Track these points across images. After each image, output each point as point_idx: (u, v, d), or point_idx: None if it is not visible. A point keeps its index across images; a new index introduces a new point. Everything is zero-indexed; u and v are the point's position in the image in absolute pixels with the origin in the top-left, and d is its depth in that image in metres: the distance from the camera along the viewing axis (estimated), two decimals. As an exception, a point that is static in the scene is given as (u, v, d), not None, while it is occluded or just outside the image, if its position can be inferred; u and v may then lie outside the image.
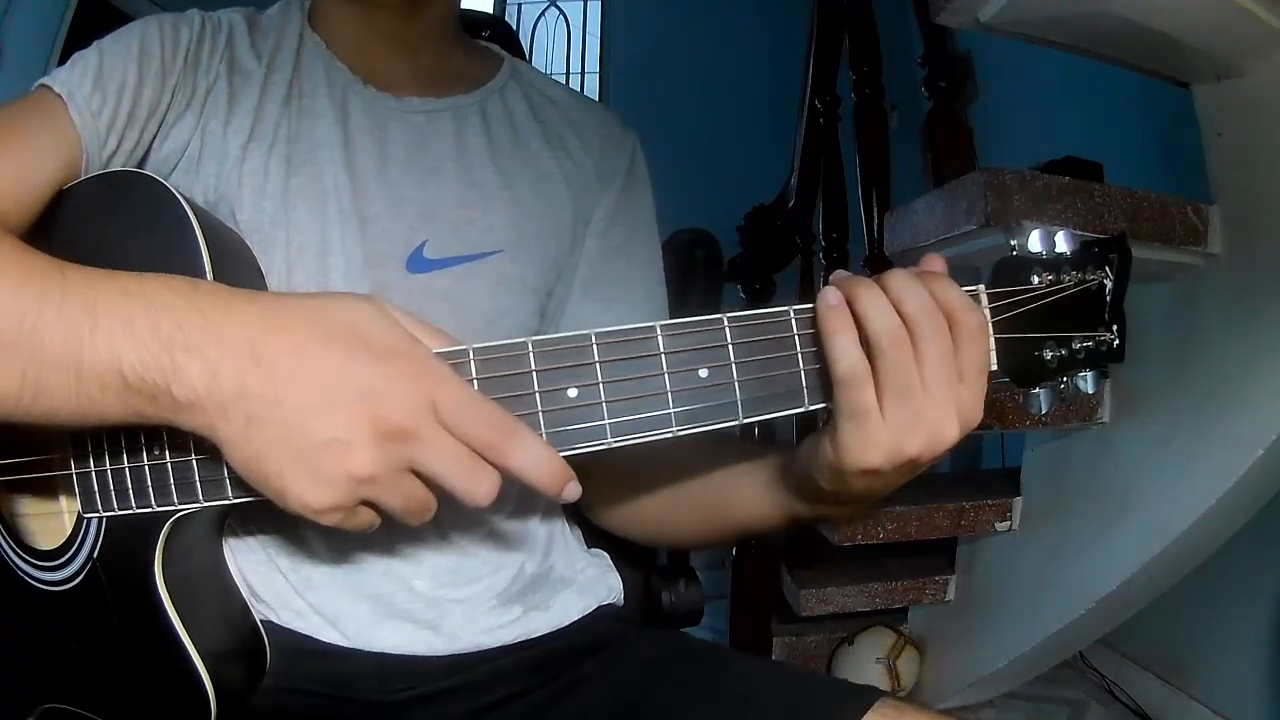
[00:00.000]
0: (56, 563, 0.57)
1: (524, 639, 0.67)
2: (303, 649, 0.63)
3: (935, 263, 0.48)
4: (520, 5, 4.33)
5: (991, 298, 0.48)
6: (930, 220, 1.34)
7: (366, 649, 0.64)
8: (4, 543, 0.60)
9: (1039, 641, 1.49)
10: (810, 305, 0.47)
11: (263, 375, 0.41)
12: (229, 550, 0.60)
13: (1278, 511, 1.22)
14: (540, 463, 0.43)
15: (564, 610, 0.70)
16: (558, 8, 4.30)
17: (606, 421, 0.45)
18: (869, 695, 0.56)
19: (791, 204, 1.94)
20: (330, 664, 0.63)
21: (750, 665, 0.63)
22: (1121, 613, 1.45)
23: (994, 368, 0.48)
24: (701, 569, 0.96)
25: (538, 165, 0.71)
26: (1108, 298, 0.49)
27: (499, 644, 0.66)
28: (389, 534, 0.63)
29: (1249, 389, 1.15)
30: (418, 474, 0.43)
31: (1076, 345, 0.48)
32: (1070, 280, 0.48)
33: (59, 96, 0.59)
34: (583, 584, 0.72)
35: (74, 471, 0.53)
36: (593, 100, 0.81)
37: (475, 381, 0.44)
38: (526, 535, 0.70)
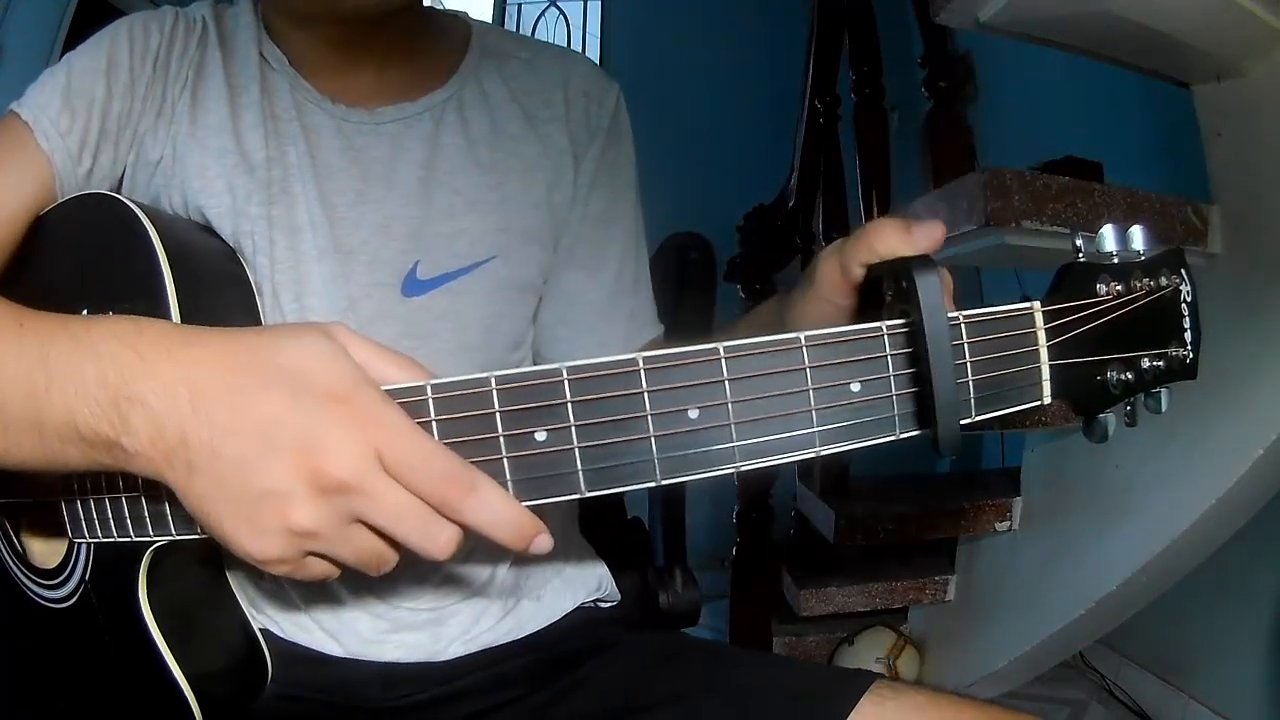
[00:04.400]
0: (55, 581, 0.57)
1: (520, 635, 0.68)
2: (304, 656, 0.63)
3: (935, 230, 0.45)
4: (520, 5, 4.33)
5: (1048, 316, 0.41)
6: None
7: (369, 659, 0.64)
8: (11, 560, 0.61)
9: (1039, 641, 1.49)
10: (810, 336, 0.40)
11: (200, 423, 0.38)
12: (230, 565, 0.59)
13: (1278, 511, 1.22)
14: (502, 519, 0.38)
15: (555, 601, 0.70)
16: (558, 8, 4.29)
17: (579, 469, 0.39)
18: (865, 679, 0.58)
19: (791, 204, 1.94)
20: (332, 670, 0.63)
21: (748, 659, 0.64)
22: (1121, 613, 1.45)
23: (1047, 400, 0.42)
24: (701, 569, 0.96)
25: (522, 153, 0.68)
26: (1184, 307, 0.43)
27: (498, 642, 0.66)
28: None
29: (1249, 389, 1.15)
30: (369, 525, 0.40)
31: (1145, 364, 0.42)
32: (1141, 289, 0.41)
33: (25, 122, 0.59)
34: (570, 574, 0.72)
35: (61, 499, 0.53)
36: (570, 51, 0.76)
37: (434, 423, 0.40)
38: None
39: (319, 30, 0.64)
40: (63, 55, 0.63)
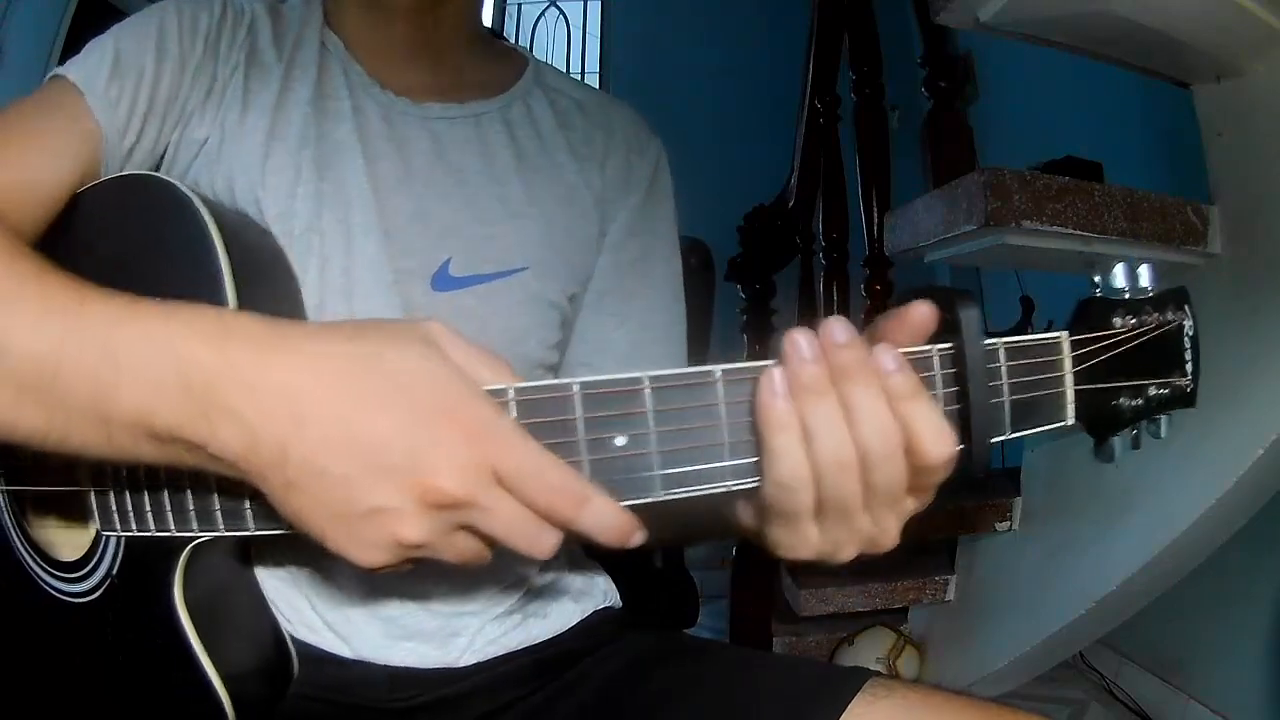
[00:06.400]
0: (76, 575, 0.56)
1: (525, 645, 0.68)
2: (312, 656, 0.63)
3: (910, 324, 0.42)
4: (520, 5, 4.33)
5: (1073, 345, 0.45)
6: (930, 220, 1.34)
7: (379, 663, 0.64)
8: (25, 552, 0.60)
9: (1039, 641, 1.49)
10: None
11: (303, 440, 0.37)
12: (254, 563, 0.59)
13: (1278, 512, 1.22)
14: (609, 523, 0.39)
15: (561, 617, 0.70)
16: (558, 8, 4.29)
17: (657, 473, 0.41)
18: (859, 676, 0.57)
19: (791, 204, 1.94)
20: (340, 671, 0.63)
21: (743, 655, 0.64)
22: (1121, 613, 1.45)
23: (1070, 421, 0.46)
24: (700, 569, 0.96)
25: (563, 179, 0.69)
26: (1187, 340, 0.47)
27: (503, 652, 0.67)
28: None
29: (1249, 389, 1.15)
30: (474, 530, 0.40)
31: (1152, 392, 0.47)
32: (1152, 323, 0.46)
33: (75, 87, 0.57)
34: (576, 592, 0.73)
35: (92, 489, 0.52)
36: (617, 100, 0.78)
37: None
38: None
39: (379, 13, 0.66)
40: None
